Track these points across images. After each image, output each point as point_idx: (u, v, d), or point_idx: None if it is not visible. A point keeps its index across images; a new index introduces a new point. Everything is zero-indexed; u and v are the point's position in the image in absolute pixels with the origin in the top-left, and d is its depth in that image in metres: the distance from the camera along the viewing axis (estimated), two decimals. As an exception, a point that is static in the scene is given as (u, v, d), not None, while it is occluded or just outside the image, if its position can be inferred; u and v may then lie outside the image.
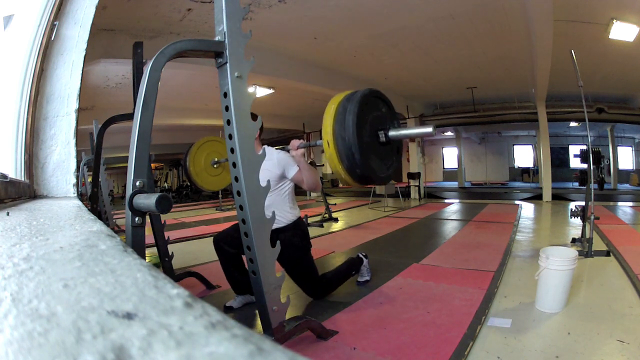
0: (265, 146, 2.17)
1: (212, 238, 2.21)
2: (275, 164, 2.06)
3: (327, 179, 14.91)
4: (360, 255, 2.67)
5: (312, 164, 6.80)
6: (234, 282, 2.23)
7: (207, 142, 2.67)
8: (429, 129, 1.30)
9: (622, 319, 1.87)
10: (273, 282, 1.38)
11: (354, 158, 1.29)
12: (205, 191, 2.78)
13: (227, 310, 2.20)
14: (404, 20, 4.89)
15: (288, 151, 2.01)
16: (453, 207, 7.89)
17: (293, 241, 2.10)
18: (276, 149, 2.12)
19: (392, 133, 1.41)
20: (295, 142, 1.88)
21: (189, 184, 15.73)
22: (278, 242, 1.42)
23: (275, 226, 1.98)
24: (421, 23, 5.04)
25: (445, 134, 13.98)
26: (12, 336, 0.25)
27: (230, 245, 2.17)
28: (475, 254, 3.36)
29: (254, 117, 2.05)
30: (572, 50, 3.44)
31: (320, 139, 1.44)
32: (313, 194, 12.00)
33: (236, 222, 2.15)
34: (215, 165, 2.66)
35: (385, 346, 1.68)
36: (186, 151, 2.64)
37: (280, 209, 2.09)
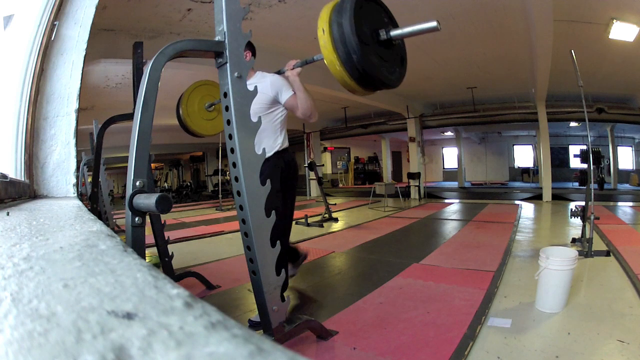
0: (259, 71, 2.01)
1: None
2: (268, 86, 1.87)
3: (327, 179, 14.92)
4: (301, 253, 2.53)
5: (312, 163, 6.81)
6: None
7: (201, 85, 2.50)
8: (433, 23, 1.21)
9: (622, 319, 1.87)
10: (273, 282, 1.38)
11: (350, 43, 1.18)
12: (199, 136, 2.52)
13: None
14: (403, 20, 4.88)
15: (283, 73, 1.84)
16: (453, 207, 7.90)
17: (293, 158, 1.99)
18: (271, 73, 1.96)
19: (394, 32, 1.32)
20: (291, 62, 1.75)
21: (189, 183, 15.77)
22: (278, 242, 1.40)
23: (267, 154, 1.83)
24: (421, 23, 5.03)
25: (445, 134, 13.98)
26: (12, 336, 0.25)
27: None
28: (475, 254, 3.36)
29: (251, 46, 1.93)
30: (572, 50, 3.44)
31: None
32: (313, 194, 12.01)
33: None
34: (209, 109, 2.47)
35: (385, 346, 1.68)
36: (179, 98, 2.46)
37: (271, 138, 1.92)
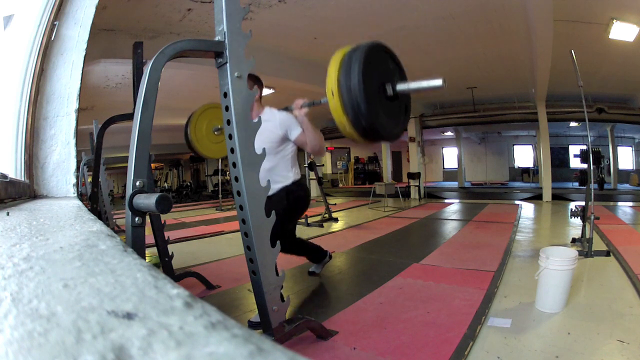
0: (267, 107, 2.07)
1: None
2: (278, 125, 1.96)
3: (327, 179, 14.91)
4: (330, 253, 2.80)
5: (312, 164, 6.81)
6: (308, 258, 2.50)
7: (208, 109, 2.58)
8: (439, 82, 1.24)
9: (622, 319, 1.87)
10: (273, 282, 1.38)
11: (359, 108, 1.22)
12: (207, 158, 2.71)
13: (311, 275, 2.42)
14: (404, 20, 4.89)
15: (291, 111, 1.92)
16: (453, 207, 7.89)
17: (299, 194, 2.08)
18: (279, 110, 2.03)
19: (400, 86, 1.35)
20: (298, 102, 1.81)
21: (189, 183, 15.76)
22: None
23: (275, 188, 1.96)
24: (421, 23, 5.03)
25: (445, 134, 13.98)
26: (12, 336, 0.25)
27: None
28: (475, 254, 3.36)
29: (256, 78, 2.01)
30: (572, 50, 3.44)
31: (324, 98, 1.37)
32: (313, 194, 12.00)
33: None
34: (216, 132, 2.56)
35: (385, 346, 1.68)
36: (187, 119, 2.54)
37: (283, 173, 2.02)
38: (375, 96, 1.29)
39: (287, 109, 1.95)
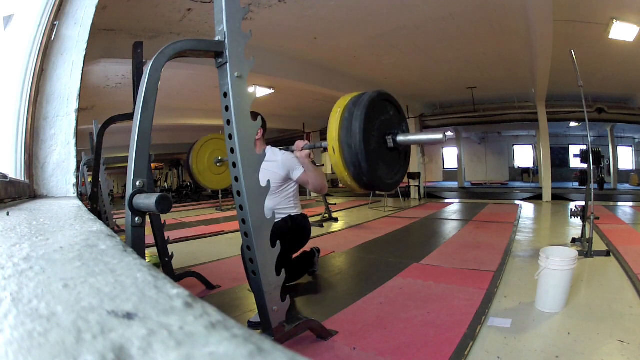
0: (269, 147, 2.16)
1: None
2: (280, 166, 2.04)
3: (328, 179, 14.92)
4: (314, 250, 2.78)
5: (312, 163, 6.81)
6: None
7: (210, 140, 2.64)
8: (439, 136, 1.26)
9: (622, 319, 1.87)
10: (273, 282, 1.38)
11: (360, 166, 1.25)
12: (208, 190, 2.79)
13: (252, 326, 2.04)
14: (404, 20, 4.89)
15: (292, 151, 1.99)
16: (453, 207, 7.89)
17: (304, 223, 2.16)
18: (280, 149, 2.11)
19: (400, 138, 1.36)
20: (300, 143, 1.86)
21: (189, 183, 15.77)
22: (278, 242, 1.41)
23: (282, 215, 2.05)
24: (421, 23, 5.03)
25: (445, 134, 13.96)
26: (12, 336, 0.25)
27: None
28: (475, 254, 3.36)
29: (255, 116, 2.04)
30: (572, 50, 3.44)
31: (323, 140, 1.41)
32: (313, 194, 12.01)
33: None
34: (218, 164, 2.63)
35: (385, 346, 1.68)
36: (189, 150, 2.60)
37: (286, 209, 2.13)
38: (376, 150, 1.31)
39: (288, 149, 2.01)
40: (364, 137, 1.23)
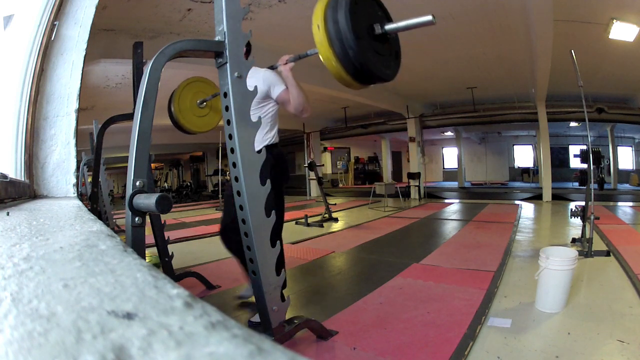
0: (253, 67, 2.02)
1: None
2: (260, 81, 1.84)
3: (327, 179, 14.92)
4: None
5: (312, 163, 6.81)
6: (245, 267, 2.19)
7: (193, 82, 2.46)
8: (428, 17, 1.21)
9: (622, 319, 1.87)
10: (273, 282, 1.38)
11: (347, 40, 1.18)
12: (190, 132, 2.52)
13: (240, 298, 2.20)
14: (404, 19, 4.88)
15: (276, 69, 1.83)
16: (453, 207, 7.89)
17: (281, 156, 1.94)
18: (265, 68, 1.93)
19: (388, 26, 1.32)
20: (284, 57, 1.74)
21: (189, 183, 15.76)
22: (278, 242, 1.41)
23: (258, 145, 1.81)
24: (421, 23, 5.03)
25: (445, 134, 13.98)
26: (12, 336, 0.25)
27: (233, 233, 2.00)
28: (475, 254, 3.36)
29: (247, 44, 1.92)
30: (572, 50, 3.44)
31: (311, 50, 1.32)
32: (313, 194, 12.01)
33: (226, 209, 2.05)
34: (201, 106, 2.44)
35: (385, 346, 1.68)
36: (171, 94, 2.45)
37: (261, 133, 1.90)
38: (364, 32, 1.26)
39: (272, 67, 1.85)
40: (350, 13, 1.18)
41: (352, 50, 1.20)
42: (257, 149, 1.82)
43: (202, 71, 5.65)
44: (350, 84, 1.36)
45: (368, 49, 1.26)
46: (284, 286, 2.06)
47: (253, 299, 2.22)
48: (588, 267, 2.82)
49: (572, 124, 10.22)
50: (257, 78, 1.84)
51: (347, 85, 1.37)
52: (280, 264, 2.07)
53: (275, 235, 1.96)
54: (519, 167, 15.28)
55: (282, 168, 1.97)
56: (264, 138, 1.92)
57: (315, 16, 1.24)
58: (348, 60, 1.23)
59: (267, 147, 1.92)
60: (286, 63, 1.73)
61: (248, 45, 1.96)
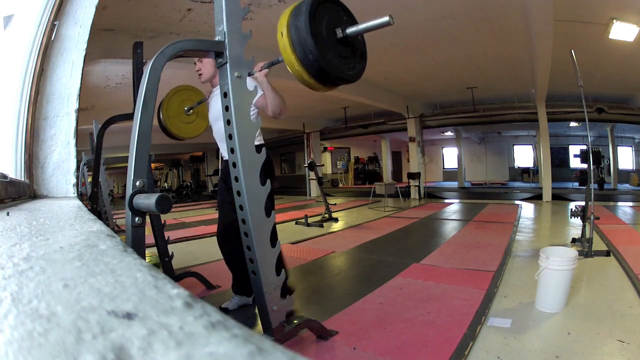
0: None
1: (212, 238, 2.19)
2: None
3: (327, 179, 14.93)
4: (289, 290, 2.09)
5: (312, 163, 6.81)
6: (236, 280, 2.19)
7: (180, 90, 2.59)
8: (385, 18, 1.28)
9: (622, 319, 1.87)
10: (273, 282, 1.38)
11: (307, 44, 1.24)
12: (180, 139, 2.65)
13: (223, 311, 2.14)
14: (404, 20, 4.89)
15: (252, 75, 1.86)
16: (453, 207, 7.89)
17: (269, 155, 1.98)
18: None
19: (350, 29, 1.37)
20: (259, 64, 1.79)
21: (189, 183, 15.76)
22: (278, 242, 1.41)
23: None
24: (421, 23, 5.03)
25: (445, 134, 13.99)
26: (12, 336, 0.25)
27: (231, 234, 2.07)
28: (475, 254, 3.36)
29: None
30: (572, 50, 3.44)
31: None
32: (312, 194, 12.01)
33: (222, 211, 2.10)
34: (189, 112, 2.55)
35: (385, 346, 1.68)
36: (159, 104, 2.52)
37: None
38: (325, 37, 1.31)
39: (249, 74, 1.94)
40: (309, 19, 1.24)
41: (312, 55, 1.25)
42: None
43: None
44: (314, 87, 1.40)
45: (329, 52, 1.31)
46: (286, 279, 2.08)
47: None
48: (588, 267, 2.82)
49: (572, 124, 10.22)
50: None
51: (311, 87, 1.42)
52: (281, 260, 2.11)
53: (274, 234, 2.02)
54: (519, 167, 15.28)
55: (269, 167, 2.04)
56: (256, 140, 1.96)
57: (280, 23, 1.30)
58: (309, 63, 1.28)
59: (262, 146, 1.97)
60: (261, 69, 1.79)
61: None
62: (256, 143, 1.95)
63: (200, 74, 2.06)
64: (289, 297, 1.48)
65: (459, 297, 2.26)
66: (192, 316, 0.26)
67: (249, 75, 1.89)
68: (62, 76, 1.67)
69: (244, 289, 2.19)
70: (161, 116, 2.48)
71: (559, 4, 4.15)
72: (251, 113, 1.92)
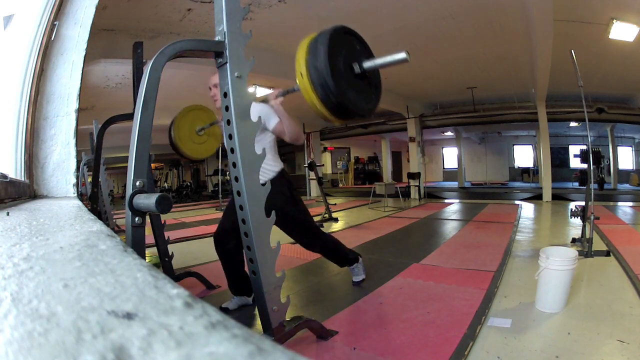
0: None
1: (212, 238, 2.19)
2: (256, 115, 1.96)
3: (327, 179, 14.92)
4: (357, 256, 2.64)
5: (312, 163, 6.82)
6: (232, 282, 2.21)
7: (192, 110, 2.61)
8: (402, 55, 1.28)
9: (622, 319, 1.87)
10: (273, 282, 1.38)
11: (327, 86, 1.26)
12: (189, 158, 2.72)
13: (223, 311, 2.17)
14: (404, 20, 4.89)
15: (267, 102, 1.95)
16: (453, 207, 7.89)
17: (282, 191, 2.06)
18: (257, 102, 2.05)
19: (366, 64, 1.39)
20: (274, 92, 1.84)
21: (189, 183, 15.76)
22: (273, 212, 1.40)
23: (264, 178, 1.92)
24: (421, 23, 5.04)
25: (445, 134, 13.99)
26: (12, 336, 0.25)
27: (228, 237, 2.11)
28: (475, 254, 3.36)
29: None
30: (572, 50, 3.44)
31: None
32: (313, 194, 12.01)
33: (226, 213, 2.16)
34: (199, 133, 2.59)
35: (385, 346, 1.68)
36: (171, 122, 2.57)
37: (270, 160, 2.06)
38: (343, 74, 1.33)
39: (263, 101, 1.98)
40: (329, 58, 1.26)
41: (333, 96, 1.28)
42: (273, 175, 2.06)
43: (202, 71, 5.67)
44: (332, 121, 1.45)
45: (348, 90, 1.34)
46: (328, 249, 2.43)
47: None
48: (588, 267, 2.82)
49: (572, 124, 10.22)
50: (253, 113, 1.94)
51: (329, 121, 1.47)
52: (335, 251, 2.49)
53: (316, 235, 2.28)
54: (519, 167, 15.29)
55: (293, 185, 2.22)
56: (274, 165, 2.10)
57: (298, 63, 1.31)
58: (330, 103, 1.31)
59: (282, 171, 2.12)
60: (276, 97, 1.83)
61: None
62: (275, 169, 2.10)
63: (215, 100, 2.08)
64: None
65: (459, 297, 2.26)
66: (192, 316, 0.26)
67: (264, 102, 1.98)
68: (62, 76, 1.67)
69: (243, 289, 2.20)
70: (172, 136, 2.50)
71: (559, 4, 4.15)
72: (269, 138, 2.08)
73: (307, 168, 7.96)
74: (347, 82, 1.34)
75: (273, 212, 1.38)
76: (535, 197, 9.11)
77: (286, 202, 2.09)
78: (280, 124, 1.99)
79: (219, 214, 7.88)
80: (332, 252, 2.45)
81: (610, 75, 6.74)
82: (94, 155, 3.47)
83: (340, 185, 15.99)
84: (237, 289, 2.20)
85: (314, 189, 11.94)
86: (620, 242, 3.63)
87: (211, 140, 2.68)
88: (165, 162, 19.88)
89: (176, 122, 2.52)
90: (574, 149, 12.75)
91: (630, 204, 7.54)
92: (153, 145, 1.15)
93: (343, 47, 1.35)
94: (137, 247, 1.04)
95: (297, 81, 1.32)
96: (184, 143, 2.53)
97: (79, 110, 1.68)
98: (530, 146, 15.06)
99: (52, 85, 1.66)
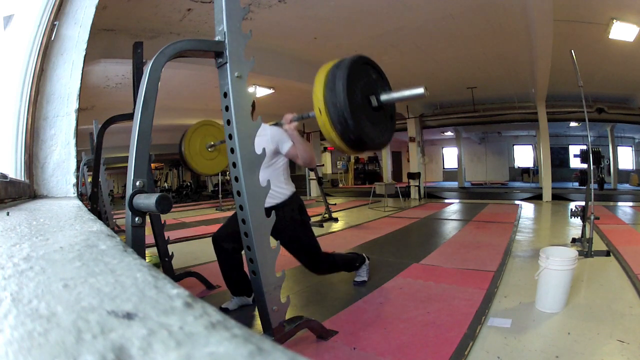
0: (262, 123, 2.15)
1: (212, 238, 2.19)
2: (269, 140, 2.00)
3: (327, 179, 14.92)
4: (365, 255, 2.66)
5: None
6: (231, 283, 2.21)
7: (202, 126, 2.63)
8: (420, 90, 1.29)
9: (622, 319, 1.87)
10: (273, 282, 1.38)
11: (346, 123, 1.28)
12: (200, 174, 2.78)
13: (223, 311, 2.18)
14: (404, 20, 4.89)
15: (281, 126, 1.97)
16: (453, 207, 7.89)
17: (293, 216, 2.07)
18: (270, 124, 2.07)
19: (383, 97, 1.40)
20: (288, 116, 1.86)
21: (189, 183, 15.76)
22: (278, 242, 1.41)
23: (271, 202, 1.95)
24: (421, 23, 5.03)
25: (445, 134, 13.98)
26: (12, 336, 0.25)
27: (227, 240, 2.11)
28: (475, 254, 3.36)
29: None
30: (572, 50, 3.44)
31: (311, 111, 1.42)
32: (313, 194, 12.01)
33: (229, 215, 2.16)
34: (210, 149, 2.60)
35: (385, 346, 1.68)
36: (181, 135, 2.59)
37: (275, 185, 2.05)
38: (361, 109, 1.34)
39: (277, 124, 2.00)
40: (348, 95, 1.26)
41: (352, 133, 1.31)
42: (284, 199, 2.07)
43: (202, 71, 5.67)
44: (348, 152, 1.48)
45: (366, 125, 1.35)
46: (335, 269, 2.37)
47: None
48: (588, 267, 2.82)
49: (572, 124, 10.22)
50: (266, 137, 2.00)
51: (345, 152, 1.50)
52: (341, 267, 2.45)
53: (319, 257, 2.19)
54: (519, 167, 15.29)
55: (304, 208, 2.22)
56: (286, 189, 2.11)
57: (316, 98, 1.32)
58: (348, 138, 1.33)
59: (293, 195, 2.13)
60: (290, 122, 1.85)
61: (253, 104, 2.06)
62: (287, 193, 2.10)
63: None
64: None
65: (459, 297, 2.26)
66: (192, 316, 0.26)
67: (278, 125, 2.00)
68: (62, 76, 1.67)
69: (243, 290, 2.20)
70: (183, 151, 2.51)
71: (559, 4, 4.15)
72: (282, 161, 2.10)
73: (307, 168, 7.98)
74: (364, 116, 1.35)
75: (273, 212, 1.38)
76: (535, 197, 9.11)
77: (296, 227, 2.10)
78: (293, 148, 2.00)
79: (219, 214, 7.90)
80: (339, 268, 2.43)
81: (610, 75, 6.74)
82: (94, 155, 3.46)
83: (340, 185, 15.99)
84: (237, 289, 2.20)
85: (314, 189, 11.94)
86: (620, 242, 3.63)
87: (221, 157, 2.71)
88: (165, 162, 19.88)
89: (187, 137, 2.54)
90: (574, 149, 12.75)
91: (630, 204, 7.54)
92: (153, 145, 1.15)
93: (361, 79, 1.36)
94: (137, 247, 1.04)
95: (316, 116, 1.34)
96: (194, 159, 2.59)
97: (79, 110, 1.68)
98: (530, 146, 15.06)
99: (52, 85, 1.66)
